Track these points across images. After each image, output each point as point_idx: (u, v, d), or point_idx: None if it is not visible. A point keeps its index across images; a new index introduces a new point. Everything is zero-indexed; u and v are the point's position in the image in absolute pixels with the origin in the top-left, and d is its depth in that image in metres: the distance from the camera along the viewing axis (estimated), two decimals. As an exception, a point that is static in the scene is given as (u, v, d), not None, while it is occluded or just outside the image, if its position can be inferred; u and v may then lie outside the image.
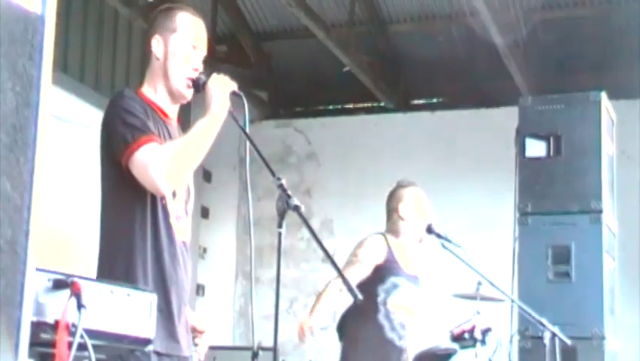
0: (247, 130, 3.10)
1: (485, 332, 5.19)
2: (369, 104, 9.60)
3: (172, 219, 3.03)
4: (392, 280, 4.43)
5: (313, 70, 9.22)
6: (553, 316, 5.01)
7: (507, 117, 6.54)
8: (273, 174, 2.96)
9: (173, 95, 3.14)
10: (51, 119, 6.17)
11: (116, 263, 2.99)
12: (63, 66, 7.45)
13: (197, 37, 3.17)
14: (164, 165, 2.89)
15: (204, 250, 9.64)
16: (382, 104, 9.44)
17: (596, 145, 5.92)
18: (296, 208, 2.87)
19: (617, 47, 7.93)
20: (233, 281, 9.57)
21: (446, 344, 5.35)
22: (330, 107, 9.79)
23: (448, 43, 8.68)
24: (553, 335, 4.81)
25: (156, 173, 2.89)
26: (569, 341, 4.88)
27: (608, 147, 6.14)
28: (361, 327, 4.41)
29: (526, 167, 6.03)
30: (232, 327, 9.47)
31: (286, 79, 9.30)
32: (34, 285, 2.72)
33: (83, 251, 7.52)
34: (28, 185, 1.65)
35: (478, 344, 5.14)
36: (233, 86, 3.07)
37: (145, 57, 3.21)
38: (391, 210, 4.99)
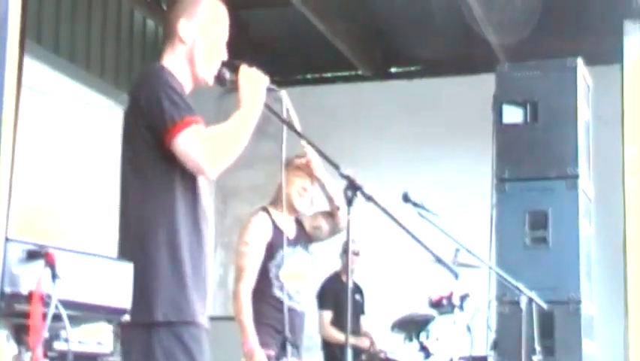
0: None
1: (463, 298, 5.23)
2: (348, 73, 9.57)
3: (202, 198, 3.07)
4: (280, 253, 4.46)
5: (291, 38, 9.16)
6: (530, 281, 5.02)
7: (484, 84, 6.49)
8: (336, 167, 3.08)
9: (197, 80, 3.13)
10: (26, 90, 6.12)
11: (158, 235, 2.97)
12: (37, 37, 7.37)
13: (224, 26, 3.16)
14: (210, 148, 2.91)
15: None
16: (360, 72, 9.40)
17: (573, 111, 5.93)
18: (370, 198, 3.01)
19: (594, 12, 7.91)
20: (212, 252, 9.55)
21: (424, 310, 5.41)
22: (309, 75, 9.75)
23: (425, 11, 8.62)
24: (530, 300, 4.84)
25: (203, 155, 2.89)
26: (545, 306, 4.92)
27: (585, 112, 6.15)
28: (263, 305, 4.46)
29: (504, 134, 6.03)
30: (212, 298, 9.46)
31: (264, 48, 9.24)
32: (8, 256, 2.70)
33: (61, 224, 7.49)
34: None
35: (457, 310, 5.18)
36: (264, 79, 3.10)
37: (168, 37, 3.16)
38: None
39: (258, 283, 4.44)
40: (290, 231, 4.63)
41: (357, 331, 7.32)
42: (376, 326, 7.25)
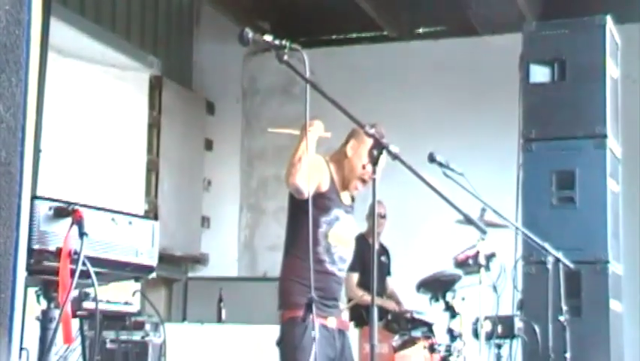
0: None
1: (489, 257, 5.19)
2: (373, 34, 9.51)
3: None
4: (335, 211, 4.20)
5: (316, -1, 9.12)
6: (557, 241, 4.98)
7: (511, 44, 6.44)
8: (362, 126, 3.10)
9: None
10: (52, 52, 6.11)
11: None
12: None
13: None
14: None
15: (209, 183, 9.65)
16: (386, 33, 9.35)
17: (601, 70, 5.88)
18: (396, 157, 2.99)
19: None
20: (237, 213, 9.59)
21: (450, 270, 5.40)
22: (334, 36, 9.71)
23: (452, -30, 8.58)
24: (557, 259, 4.79)
25: None
26: (572, 266, 4.88)
27: (613, 71, 6.09)
28: (302, 262, 4.08)
29: (531, 93, 5.99)
30: (237, 259, 9.53)
31: (289, 9, 9.20)
32: (36, 213, 2.72)
33: (89, 184, 7.55)
34: (21, 106, 1.61)
35: (483, 270, 5.13)
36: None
37: None
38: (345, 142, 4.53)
39: (304, 235, 4.20)
40: (345, 196, 4.40)
41: (383, 292, 7.33)
42: (402, 286, 7.26)
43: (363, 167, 4.25)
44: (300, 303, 3.99)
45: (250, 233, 9.45)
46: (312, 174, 4.00)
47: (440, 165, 4.76)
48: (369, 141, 4.01)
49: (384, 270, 7.50)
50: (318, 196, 4.15)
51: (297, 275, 4.15)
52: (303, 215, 3.89)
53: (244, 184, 9.59)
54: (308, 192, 3.84)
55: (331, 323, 4.16)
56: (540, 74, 5.97)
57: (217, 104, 9.73)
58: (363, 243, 7.16)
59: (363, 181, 4.29)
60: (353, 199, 4.46)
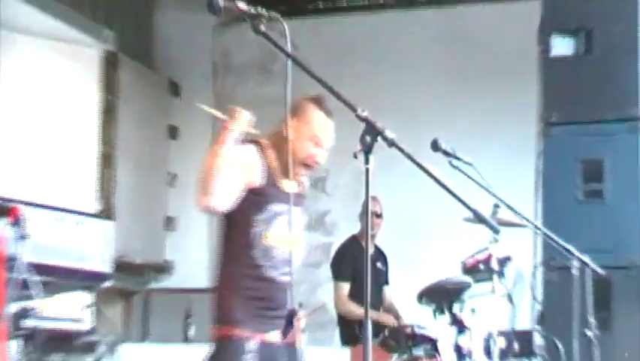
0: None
1: (504, 262, 5.15)
2: (367, 2, 9.51)
3: None
4: (271, 207, 4.12)
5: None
6: (583, 242, 4.94)
7: (528, 11, 6.46)
8: (353, 109, 3.09)
9: None
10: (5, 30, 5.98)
11: None
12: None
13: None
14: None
15: (174, 177, 9.60)
16: (381, 0, 9.33)
17: (633, 41, 5.86)
18: (393, 143, 3.03)
19: None
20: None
21: (458, 277, 5.37)
22: (321, 5, 9.68)
23: None
24: (584, 264, 4.76)
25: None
26: (601, 271, 4.83)
27: (647, 43, 6.09)
28: (237, 268, 4.17)
29: (551, 69, 6.00)
30: (208, 267, 9.42)
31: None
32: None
33: (26, 175, 7.49)
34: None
35: (496, 277, 5.10)
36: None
37: None
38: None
39: (237, 238, 4.12)
40: (289, 185, 4.20)
41: (379, 304, 7.30)
42: (402, 297, 7.20)
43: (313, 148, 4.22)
44: (237, 319, 4.03)
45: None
46: (234, 176, 4.01)
47: (445, 153, 4.75)
48: (317, 121, 4.21)
49: (381, 278, 7.43)
50: (250, 193, 4.14)
51: (234, 284, 4.15)
52: (234, 215, 4.06)
53: (224, 167, 9.55)
54: (227, 208, 3.97)
55: (274, 337, 4.10)
56: (562, 46, 5.97)
57: (183, 85, 9.69)
58: (356, 247, 7.20)
59: (307, 167, 4.27)
60: (304, 185, 4.43)
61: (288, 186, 4.20)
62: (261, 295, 4.10)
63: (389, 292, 7.53)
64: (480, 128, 8.22)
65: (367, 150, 3.08)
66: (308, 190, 4.52)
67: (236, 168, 4.00)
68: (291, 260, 4.15)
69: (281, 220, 4.16)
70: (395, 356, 5.53)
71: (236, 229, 4.11)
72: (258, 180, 4.15)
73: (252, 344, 4.00)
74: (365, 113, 3.10)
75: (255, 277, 4.10)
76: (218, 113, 4.03)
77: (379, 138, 3.06)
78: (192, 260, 9.36)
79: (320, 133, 4.23)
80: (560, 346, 5.25)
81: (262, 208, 4.16)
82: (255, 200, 4.15)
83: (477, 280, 5.26)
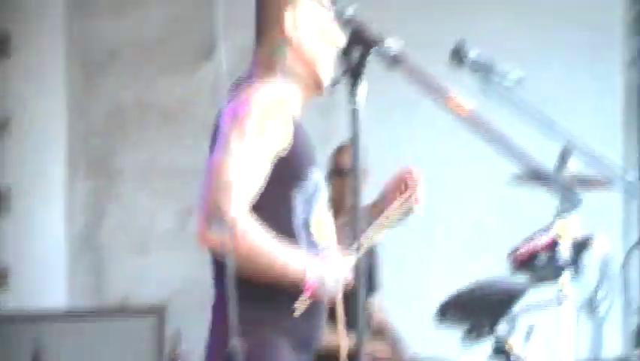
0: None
1: (580, 248, 3.91)
2: None
3: None
4: (314, 174, 3.60)
5: None
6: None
7: None
8: (340, 15, 2.95)
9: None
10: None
11: None
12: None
13: None
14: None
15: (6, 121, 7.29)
16: None
17: None
18: (397, 60, 2.74)
19: None
20: (64, 180, 7.36)
21: (504, 277, 4.18)
22: None
23: None
24: None
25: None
26: None
27: None
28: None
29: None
30: (67, 275, 7.29)
31: None
32: None
33: None
34: None
35: (566, 273, 3.86)
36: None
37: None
38: None
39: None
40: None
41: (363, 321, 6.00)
42: (404, 308, 6.17)
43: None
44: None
45: (93, 218, 7.26)
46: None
47: (476, 66, 3.69)
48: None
49: (367, 281, 6.19)
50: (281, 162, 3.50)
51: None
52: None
53: (76, 121, 7.26)
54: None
55: None
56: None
57: (14, 37, 7.35)
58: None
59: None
60: None
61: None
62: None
63: (380, 303, 6.24)
64: (538, 37, 6.88)
65: (354, 73, 2.70)
66: None
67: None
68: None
69: (323, 197, 3.53)
70: None
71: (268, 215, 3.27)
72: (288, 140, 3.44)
73: None
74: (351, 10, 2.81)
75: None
76: None
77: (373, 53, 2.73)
78: (39, 263, 7.16)
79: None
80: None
81: (302, 176, 3.49)
82: (291, 165, 3.48)
83: (536, 280, 4.02)
